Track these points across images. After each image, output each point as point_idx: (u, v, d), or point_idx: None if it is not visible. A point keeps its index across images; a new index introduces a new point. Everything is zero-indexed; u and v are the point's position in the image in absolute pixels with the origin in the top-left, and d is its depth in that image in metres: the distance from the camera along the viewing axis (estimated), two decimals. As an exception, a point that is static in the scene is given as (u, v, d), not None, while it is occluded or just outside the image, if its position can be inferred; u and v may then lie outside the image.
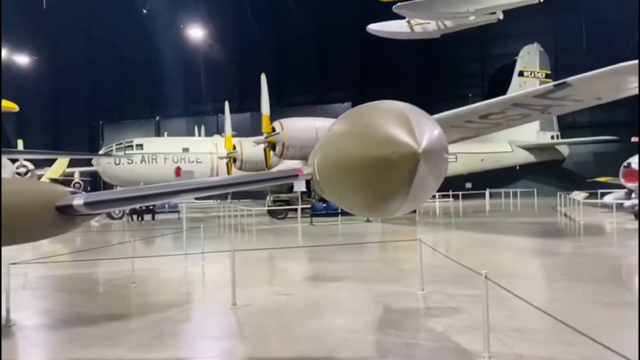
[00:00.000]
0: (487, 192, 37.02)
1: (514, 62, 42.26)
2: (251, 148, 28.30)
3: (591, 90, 15.88)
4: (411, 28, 24.85)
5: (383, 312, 7.99)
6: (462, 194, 34.21)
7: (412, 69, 50.84)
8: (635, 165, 20.54)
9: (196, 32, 44.10)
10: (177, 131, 47.83)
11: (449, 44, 43.16)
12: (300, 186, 24.15)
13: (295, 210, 24.30)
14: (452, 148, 32.81)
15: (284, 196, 26.91)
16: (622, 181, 21.83)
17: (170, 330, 7.25)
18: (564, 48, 43.58)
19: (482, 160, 38.37)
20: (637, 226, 18.23)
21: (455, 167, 37.80)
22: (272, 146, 24.92)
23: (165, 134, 42.32)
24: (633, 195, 22.01)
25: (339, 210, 23.70)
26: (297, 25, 49.81)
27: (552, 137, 40.50)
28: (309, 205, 24.53)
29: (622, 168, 21.69)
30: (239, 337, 6.95)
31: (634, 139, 26.58)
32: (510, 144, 39.01)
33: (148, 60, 51.82)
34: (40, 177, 42.96)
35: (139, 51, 51.55)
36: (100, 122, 58.31)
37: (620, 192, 24.02)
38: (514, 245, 15.95)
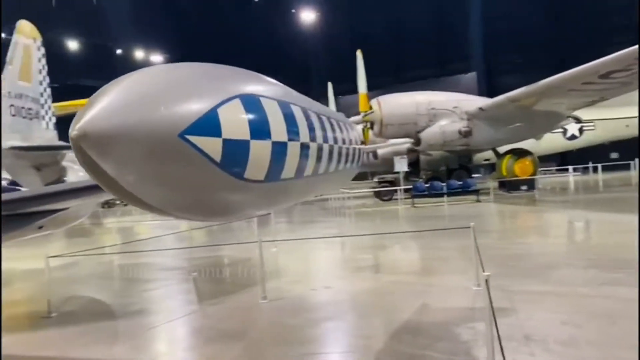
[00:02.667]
0: (634, 163, 32.37)
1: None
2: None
3: None
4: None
5: (416, 312, 6.91)
6: (602, 166, 30.27)
7: (543, 29, 45.93)
8: None
9: (308, 16, 44.13)
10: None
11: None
12: (401, 166, 22.90)
13: (406, 190, 23.15)
14: (587, 114, 29.34)
15: (388, 177, 25.84)
16: None
17: (182, 325, 6.95)
18: None
19: (627, 126, 33.37)
20: None
21: (594, 135, 33.43)
22: (371, 125, 23.95)
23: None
24: None
25: (444, 191, 22.15)
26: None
27: None
28: (410, 186, 23.22)
29: None
30: (237, 339, 6.39)
31: None
32: (664, 105, 33.39)
33: (268, 47, 53.23)
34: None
35: (260, 39, 53.10)
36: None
37: None
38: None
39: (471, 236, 8.01)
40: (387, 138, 23.79)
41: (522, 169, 24.60)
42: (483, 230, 14.11)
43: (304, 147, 2.79)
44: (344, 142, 4.03)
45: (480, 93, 38.96)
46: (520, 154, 25.38)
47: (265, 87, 2.59)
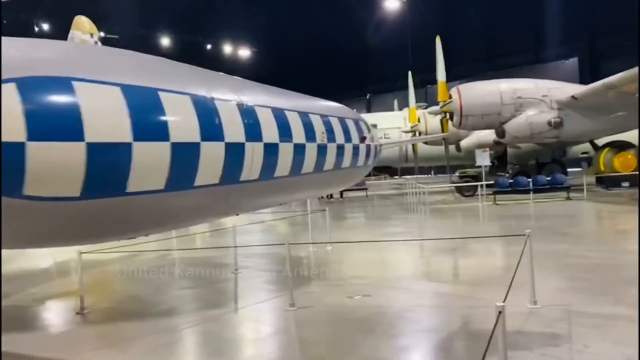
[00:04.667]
0: None
1: None
2: (436, 120, 26.06)
3: None
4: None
5: (452, 335, 6.01)
6: None
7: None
8: None
9: (392, 4, 42.68)
10: (386, 106, 47.13)
11: None
12: (483, 160, 21.26)
13: (490, 186, 21.46)
14: None
15: (471, 171, 24.17)
16: None
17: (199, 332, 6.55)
18: None
19: None
20: None
21: None
22: (450, 116, 22.45)
23: (354, 111, 41.78)
24: None
25: (530, 187, 20.31)
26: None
27: None
28: (492, 182, 21.46)
29: None
30: (235, 354, 5.84)
31: None
32: None
33: (353, 38, 52.45)
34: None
35: (345, 31, 52.41)
36: (317, 103, 61.36)
37: None
38: None
39: (528, 245, 6.86)
40: (468, 130, 22.22)
41: (623, 163, 21.95)
42: (563, 234, 12.59)
43: (183, 149, 2.08)
44: (310, 139, 3.30)
45: (583, 81, 35.62)
46: (621, 146, 22.68)
47: (114, 69, 1.93)
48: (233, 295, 8.67)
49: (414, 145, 29.10)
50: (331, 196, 28.78)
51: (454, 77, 42.81)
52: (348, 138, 3.90)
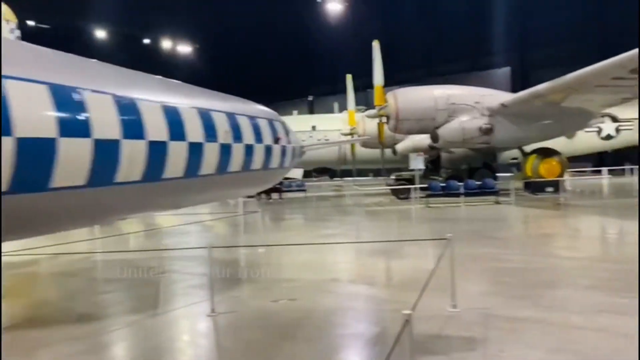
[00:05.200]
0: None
1: None
2: (373, 123, 26.37)
3: None
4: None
5: (368, 340, 5.97)
6: (640, 168, 28.13)
7: (586, 21, 43.19)
8: None
9: (334, 6, 42.93)
10: (329, 109, 47.29)
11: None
12: (417, 164, 21.68)
13: (423, 189, 21.88)
14: (626, 112, 27.42)
15: (406, 174, 24.63)
16: None
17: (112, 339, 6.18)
18: None
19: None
20: None
21: (633, 135, 31.23)
22: (387, 120, 22.77)
23: (295, 112, 41.90)
24: None
25: (461, 191, 20.89)
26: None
27: None
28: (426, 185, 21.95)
29: None
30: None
31: None
32: None
33: (294, 38, 52.34)
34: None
35: (290, 33, 52.27)
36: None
37: None
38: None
39: (451, 249, 6.96)
40: (403, 134, 22.57)
41: (548, 169, 22.97)
42: (489, 237, 12.95)
43: (33, 144, 1.85)
44: (210, 138, 3.11)
45: (514, 89, 37.14)
46: (547, 153, 23.74)
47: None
48: (153, 300, 8.29)
49: (352, 147, 29.31)
50: (270, 197, 28.53)
51: (395, 82, 43.54)
52: (259, 138, 3.72)
